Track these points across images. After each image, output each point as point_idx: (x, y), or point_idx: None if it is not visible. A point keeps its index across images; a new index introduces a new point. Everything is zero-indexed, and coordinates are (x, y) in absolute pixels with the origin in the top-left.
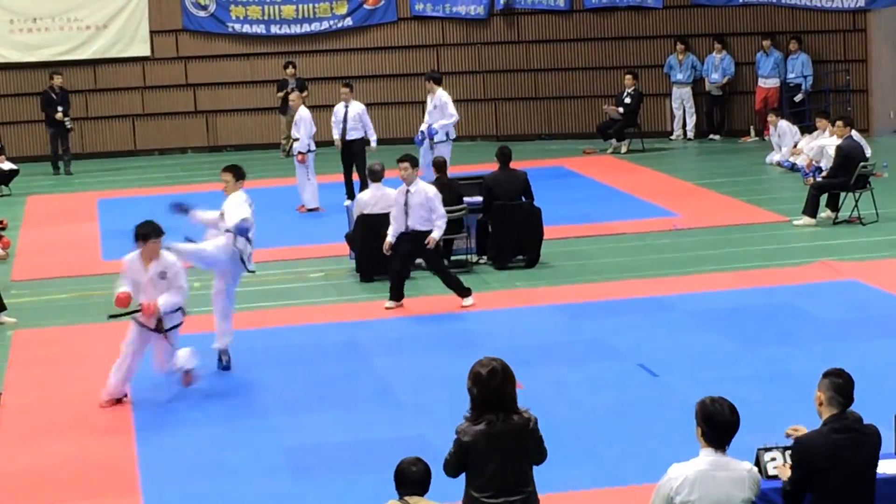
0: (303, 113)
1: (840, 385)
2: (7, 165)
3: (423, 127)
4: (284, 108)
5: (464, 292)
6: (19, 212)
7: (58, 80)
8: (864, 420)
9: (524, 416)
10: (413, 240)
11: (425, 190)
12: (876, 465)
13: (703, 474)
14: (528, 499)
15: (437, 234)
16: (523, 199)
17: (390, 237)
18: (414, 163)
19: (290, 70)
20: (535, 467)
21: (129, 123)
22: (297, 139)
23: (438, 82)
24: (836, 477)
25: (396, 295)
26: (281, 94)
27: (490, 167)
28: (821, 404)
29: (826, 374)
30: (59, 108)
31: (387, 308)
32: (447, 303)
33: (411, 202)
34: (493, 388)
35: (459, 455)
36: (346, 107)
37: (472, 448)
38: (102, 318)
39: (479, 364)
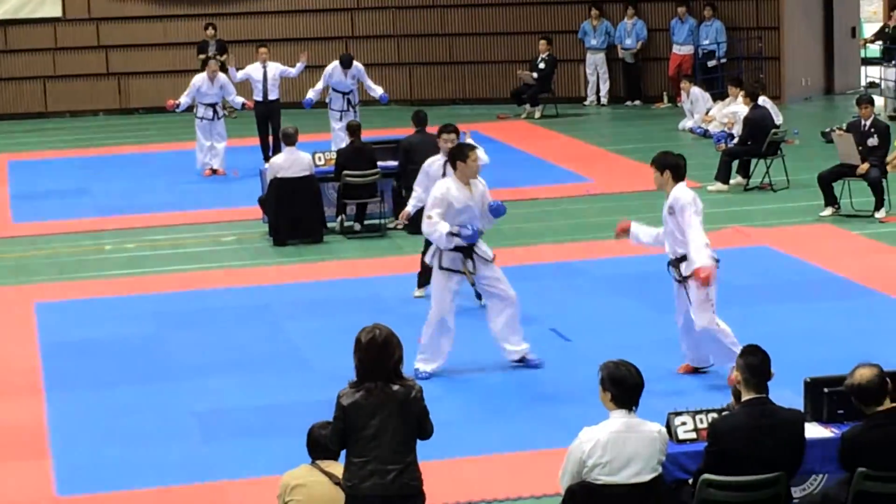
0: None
1: (755, 365)
2: None
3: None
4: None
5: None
6: None
7: None
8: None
9: (408, 385)
10: None
11: None
12: (792, 453)
13: (615, 436)
14: (406, 469)
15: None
16: None
17: (411, 208)
18: (458, 133)
19: (209, 31)
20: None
21: (41, 85)
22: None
23: None
24: (749, 462)
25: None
26: (202, 57)
27: (404, 132)
28: (738, 383)
29: (742, 353)
30: None
31: (417, 297)
32: (360, 267)
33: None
34: (372, 355)
35: (339, 419)
36: (264, 67)
37: (351, 413)
38: (9, 282)
39: (361, 331)
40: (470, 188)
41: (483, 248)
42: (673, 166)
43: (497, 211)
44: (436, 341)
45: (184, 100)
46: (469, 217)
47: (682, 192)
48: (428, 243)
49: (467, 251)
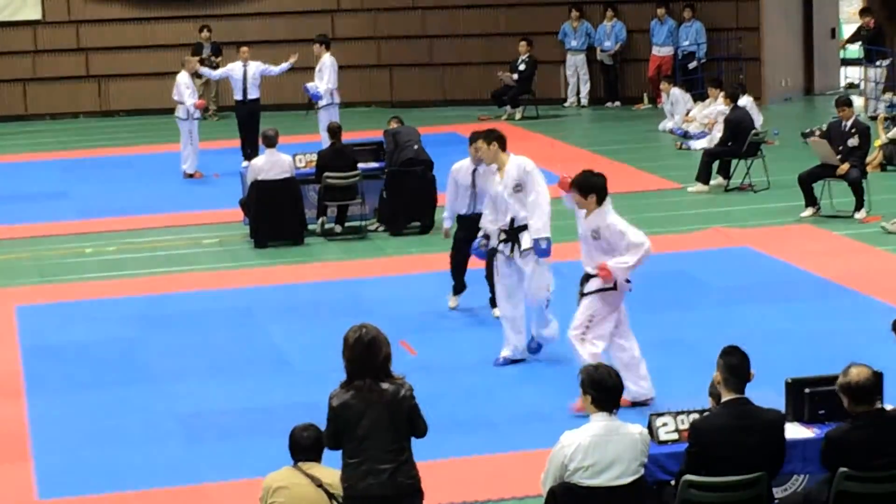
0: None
1: (734, 365)
2: None
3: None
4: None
5: None
6: None
7: None
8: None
9: (397, 383)
10: (475, 223)
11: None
12: (773, 454)
13: (597, 439)
14: (400, 468)
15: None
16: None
17: (447, 222)
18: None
19: (204, 34)
20: (429, 434)
21: (20, 88)
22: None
23: (328, 47)
24: (730, 463)
25: (460, 288)
26: (197, 59)
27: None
28: (719, 383)
29: (722, 354)
30: None
31: (452, 307)
32: (341, 269)
33: (479, 182)
34: (359, 354)
35: (332, 421)
36: (245, 67)
37: (342, 413)
38: None
39: (349, 330)
40: (501, 174)
41: (525, 237)
42: (600, 189)
43: (539, 252)
44: (508, 323)
45: (193, 97)
46: (493, 200)
47: (615, 219)
48: (455, 254)
49: (510, 234)
